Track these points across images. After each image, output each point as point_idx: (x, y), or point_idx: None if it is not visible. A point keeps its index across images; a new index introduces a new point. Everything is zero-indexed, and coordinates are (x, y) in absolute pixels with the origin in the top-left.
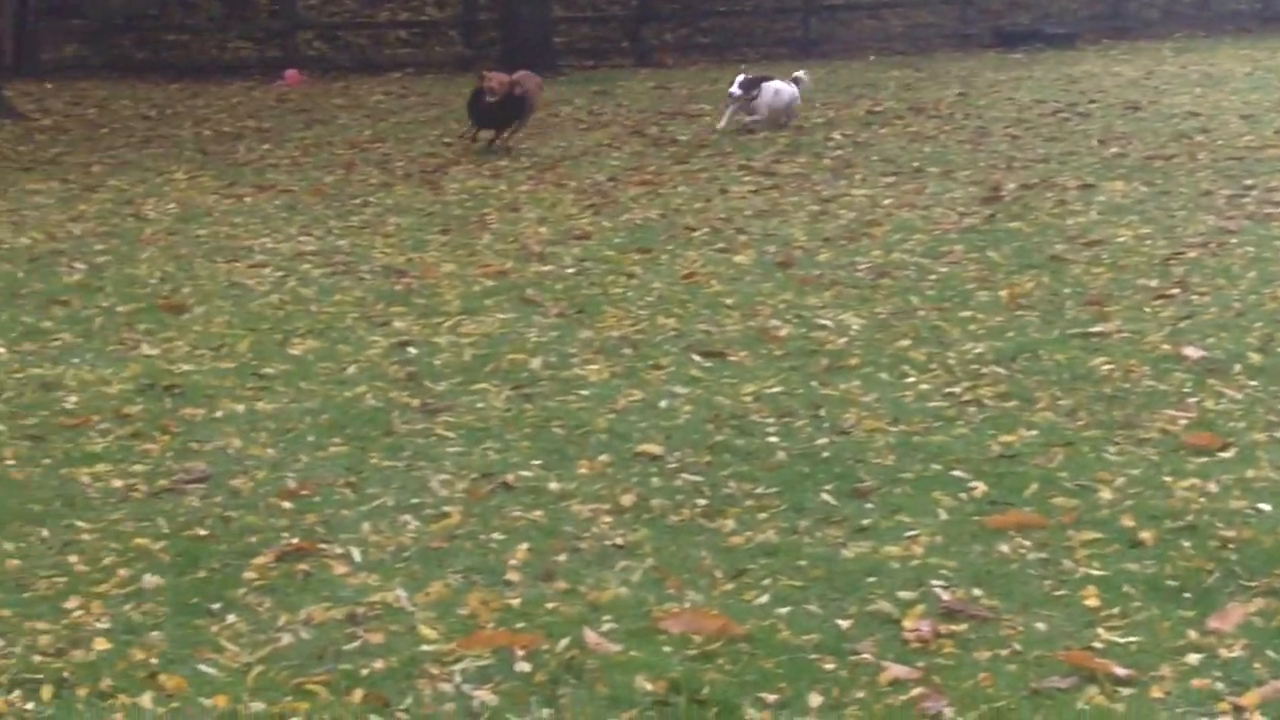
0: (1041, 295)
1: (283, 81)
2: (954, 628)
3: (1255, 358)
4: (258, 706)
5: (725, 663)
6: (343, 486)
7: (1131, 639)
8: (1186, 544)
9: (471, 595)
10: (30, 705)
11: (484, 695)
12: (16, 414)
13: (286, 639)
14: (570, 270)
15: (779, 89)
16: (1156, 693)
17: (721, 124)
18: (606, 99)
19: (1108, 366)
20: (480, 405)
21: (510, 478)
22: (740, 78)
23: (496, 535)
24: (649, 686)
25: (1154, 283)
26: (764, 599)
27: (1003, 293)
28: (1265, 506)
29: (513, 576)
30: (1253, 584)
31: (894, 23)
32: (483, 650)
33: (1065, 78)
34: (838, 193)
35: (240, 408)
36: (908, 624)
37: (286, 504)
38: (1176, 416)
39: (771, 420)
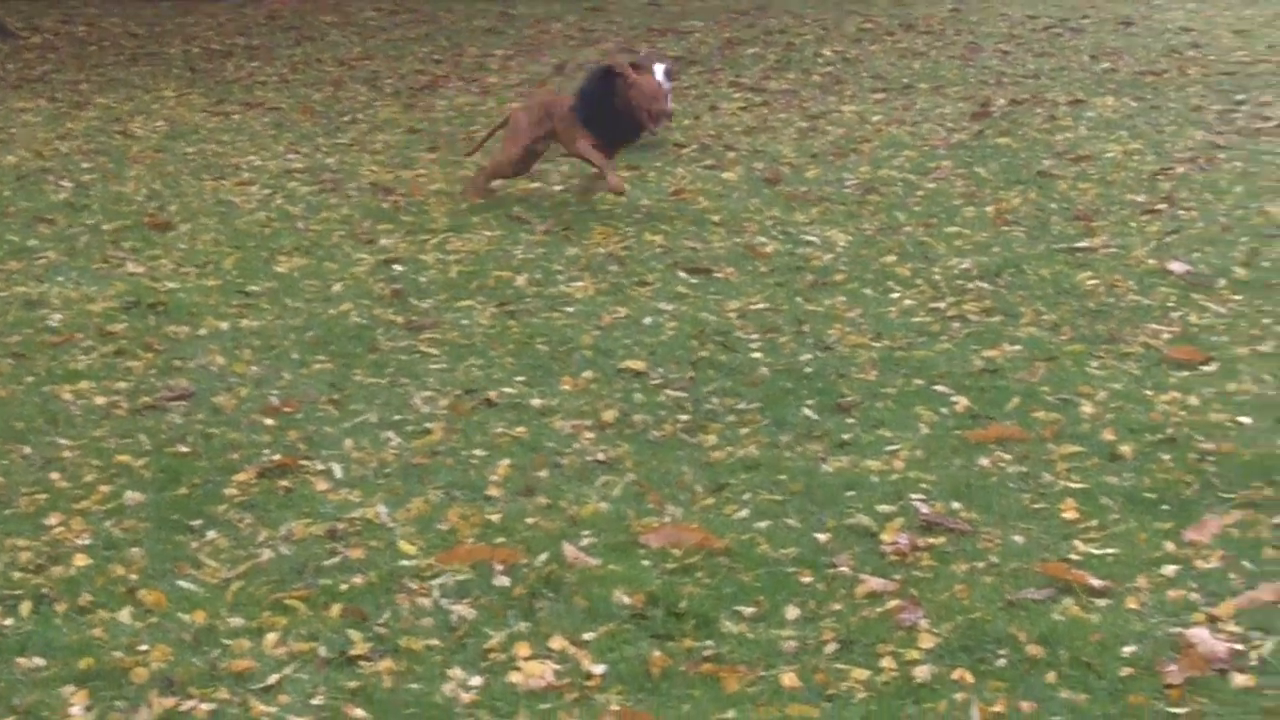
0: (1028, 210)
1: None
2: (932, 541)
3: (1240, 272)
4: (236, 621)
5: (703, 576)
6: (326, 403)
7: (1108, 551)
8: (1166, 457)
9: (452, 511)
10: (9, 621)
11: (462, 609)
12: (0, 332)
13: (266, 555)
14: (558, 188)
15: None
16: (1132, 604)
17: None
18: (598, 16)
19: (1093, 281)
20: (465, 322)
21: (493, 394)
22: (663, 67)
23: (478, 451)
24: (627, 600)
25: (1141, 198)
26: (744, 513)
27: (990, 208)
28: (1245, 420)
29: (493, 492)
30: (1230, 496)
31: None
32: (462, 565)
33: None
34: (827, 109)
35: (224, 325)
36: (886, 537)
37: (269, 421)
38: (1160, 331)
39: (756, 336)
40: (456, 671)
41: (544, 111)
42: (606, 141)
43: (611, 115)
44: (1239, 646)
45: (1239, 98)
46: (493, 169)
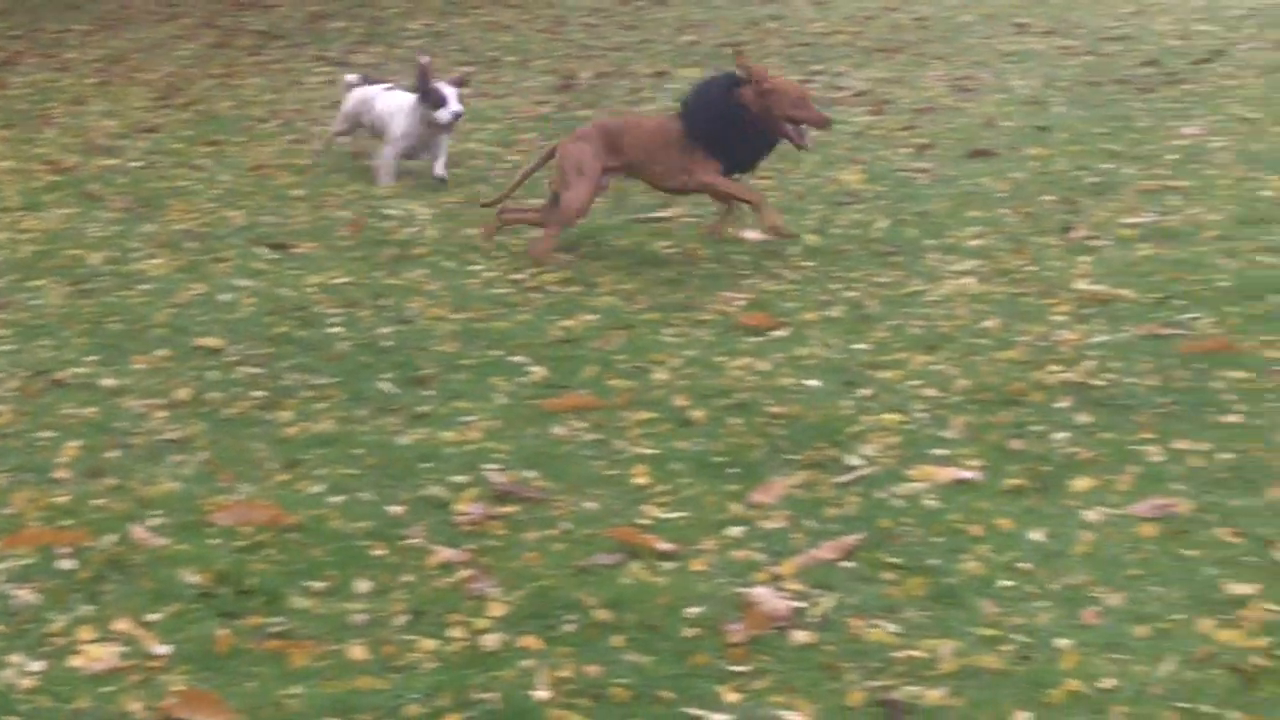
0: None
1: None
2: (505, 510)
3: (812, 239)
4: None
5: (274, 553)
6: None
7: (677, 514)
8: (736, 421)
9: (17, 494)
10: None
11: (24, 594)
12: None
13: None
14: (136, 164)
15: None
16: (698, 565)
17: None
18: None
19: (670, 250)
20: (36, 302)
21: (63, 374)
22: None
23: (46, 433)
24: (194, 579)
25: None
26: (318, 489)
27: None
28: (812, 383)
29: (61, 474)
30: (796, 457)
31: None
32: (26, 549)
33: None
34: None
35: None
36: (459, 508)
37: None
38: (733, 298)
39: (335, 311)
40: (16, 658)
41: (608, 139)
42: (732, 167)
43: (739, 134)
44: (800, 604)
45: (816, 68)
46: (564, 217)
